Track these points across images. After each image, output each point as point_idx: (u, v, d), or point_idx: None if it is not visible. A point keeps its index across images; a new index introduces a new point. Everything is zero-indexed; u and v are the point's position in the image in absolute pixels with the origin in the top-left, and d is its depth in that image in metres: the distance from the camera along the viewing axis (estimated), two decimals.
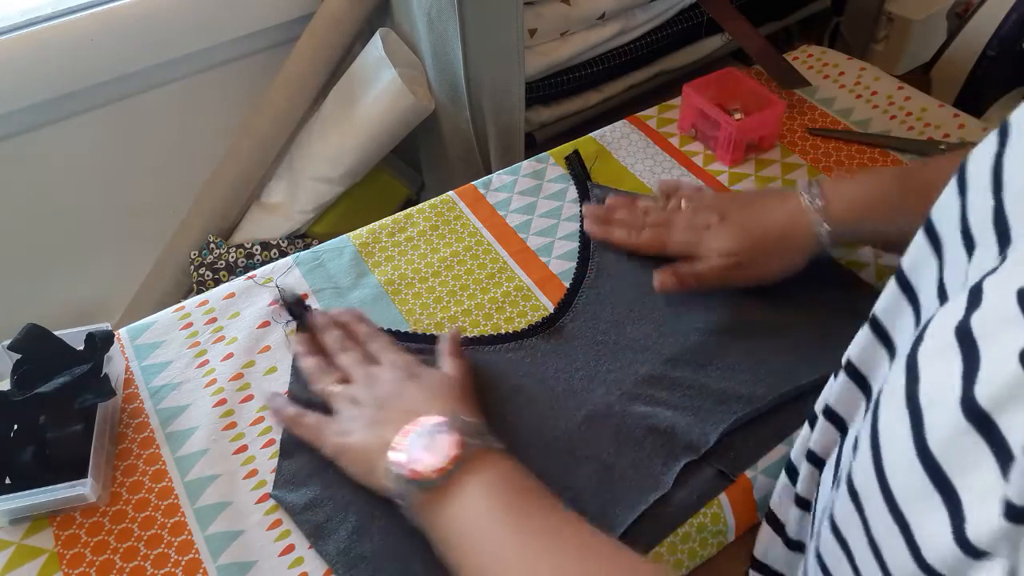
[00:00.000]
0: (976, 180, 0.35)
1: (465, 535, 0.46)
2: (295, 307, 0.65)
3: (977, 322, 0.28)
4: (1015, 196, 0.32)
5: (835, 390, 0.43)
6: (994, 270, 0.30)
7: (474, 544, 0.46)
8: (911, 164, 0.64)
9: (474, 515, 0.46)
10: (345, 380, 0.58)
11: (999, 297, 0.28)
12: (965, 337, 0.28)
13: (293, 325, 0.65)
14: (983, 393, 0.26)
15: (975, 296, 0.29)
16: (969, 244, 0.34)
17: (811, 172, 0.79)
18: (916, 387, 0.30)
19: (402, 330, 0.64)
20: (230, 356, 0.63)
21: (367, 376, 0.57)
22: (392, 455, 0.49)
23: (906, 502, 0.30)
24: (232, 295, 0.68)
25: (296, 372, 0.61)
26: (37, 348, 0.57)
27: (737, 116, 0.81)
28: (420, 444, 0.48)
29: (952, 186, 0.36)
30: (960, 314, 0.29)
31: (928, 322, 0.31)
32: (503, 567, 0.44)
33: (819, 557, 0.41)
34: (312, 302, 0.67)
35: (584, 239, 0.71)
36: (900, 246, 0.65)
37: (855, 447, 0.36)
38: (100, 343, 0.59)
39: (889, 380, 0.32)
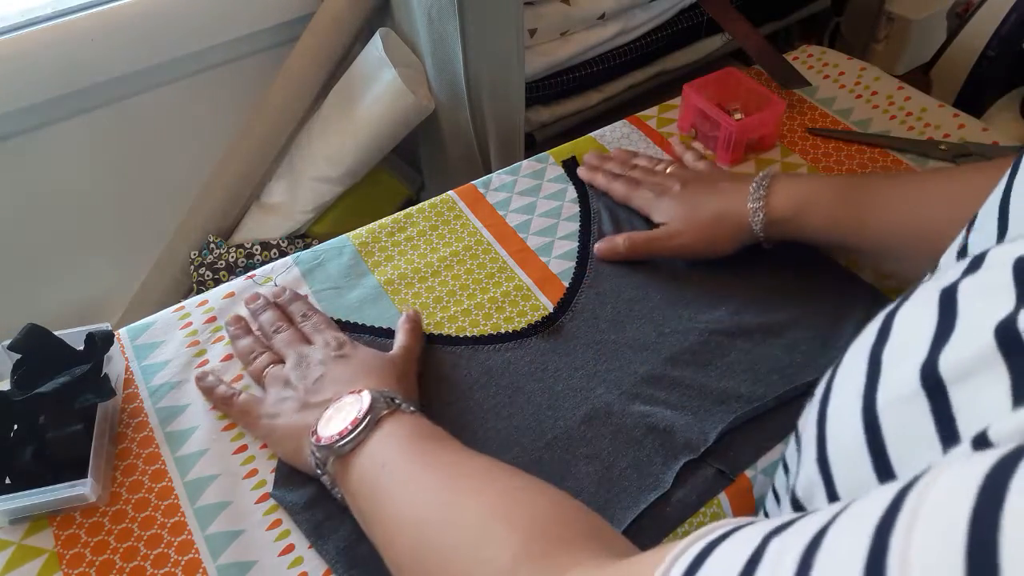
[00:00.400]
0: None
1: (366, 481, 0.47)
2: None
3: (965, 286, 0.26)
4: None
5: None
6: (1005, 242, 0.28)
7: (374, 488, 0.46)
8: (868, 176, 0.66)
9: (375, 463, 0.47)
10: (278, 360, 0.59)
11: (997, 263, 0.26)
12: (948, 300, 0.26)
13: None
14: (947, 360, 0.24)
15: (975, 263, 0.27)
16: (1003, 226, 0.32)
17: (811, 172, 0.79)
18: (883, 344, 0.28)
19: None
20: (230, 356, 0.63)
21: (298, 357, 0.57)
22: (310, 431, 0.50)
23: (836, 456, 0.29)
24: (232, 295, 0.68)
25: None
26: (37, 348, 0.57)
27: (737, 116, 0.81)
28: (330, 416, 0.50)
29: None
30: (954, 279, 0.27)
31: (917, 284, 0.30)
32: (406, 504, 0.44)
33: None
34: (311, 302, 0.67)
35: (584, 239, 0.71)
36: (843, 252, 0.65)
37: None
38: (100, 343, 0.59)
39: (862, 335, 0.31)
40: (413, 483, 0.45)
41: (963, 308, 0.25)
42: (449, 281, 0.69)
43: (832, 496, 0.28)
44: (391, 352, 0.58)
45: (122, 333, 0.65)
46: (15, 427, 0.56)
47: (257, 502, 0.55)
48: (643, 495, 0.53)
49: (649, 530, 0.52)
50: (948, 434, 0.23)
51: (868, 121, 0.85)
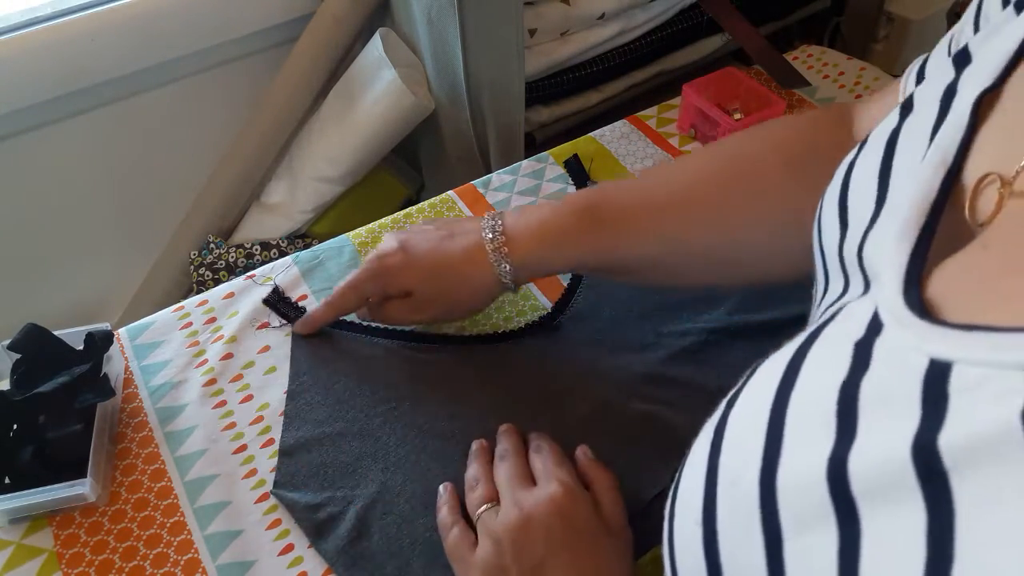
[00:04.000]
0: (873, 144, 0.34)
1: None
2: (282, 307, 0.65)
3: (865, 389, 0.25)
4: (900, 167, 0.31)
5: None
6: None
7: None
8: (604, 187, 0.58)
9: None
10: (495, 496, 0.50)
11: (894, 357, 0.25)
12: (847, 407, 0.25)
13: (289, 327, 0.65)
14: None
15: (863, 353, 0.26)
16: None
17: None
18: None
19: (401, 329, 0.64)
20: (229, 356, 0.63)
21: (517, 512, 0.47)
22: None
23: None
24: (231, 295, 0.68)
25: (297, 372, 0.61)
26: (37, 348, 0.58)
27: (737, 116, 0.81)
28: None
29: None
30: (845, 372, 0.26)
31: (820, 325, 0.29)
32: None
33: None
34: (311, 302, 0.67)
35: None
36: (622, 276, 0.58)
37: None
38: (100, 343, 0.59)
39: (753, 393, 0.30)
40: None
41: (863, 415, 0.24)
42: None
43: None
44: (621, 530, 0.49)
45: (122, 333, 0.65)
46: (15, 427, 0.56)
47: (257, 502, 0.55)
48: (641, 494, 0.53)
49: (648, 529, 0.52)
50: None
51: None
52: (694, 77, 0.83)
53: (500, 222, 0.56)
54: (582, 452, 0.54)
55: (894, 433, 0.22)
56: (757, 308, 0.65)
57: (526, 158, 0.82)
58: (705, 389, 0.59)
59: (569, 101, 1.06)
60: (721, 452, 0.28)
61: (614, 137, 0.84)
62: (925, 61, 0.43)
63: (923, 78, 0.41)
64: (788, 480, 0.24)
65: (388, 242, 0.60)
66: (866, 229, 0.31)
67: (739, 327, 0.63)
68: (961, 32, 0.38)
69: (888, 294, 0.26)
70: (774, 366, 0.29)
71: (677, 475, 0.31)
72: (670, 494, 0.31)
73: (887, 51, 1.24)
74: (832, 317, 0.29)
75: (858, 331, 0.26)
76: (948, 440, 0.20)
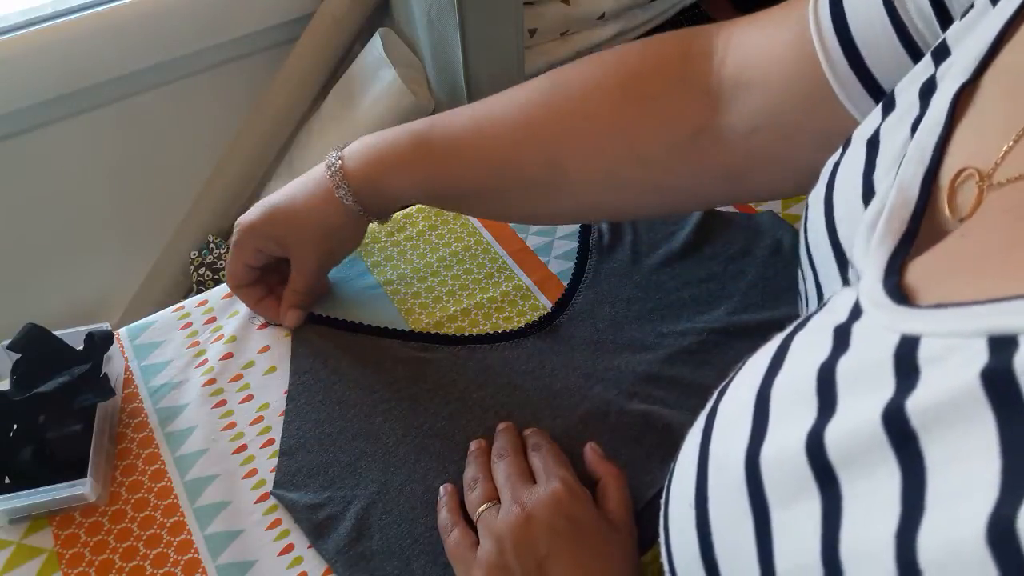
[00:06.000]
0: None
1: None
2: None
3: (842, 368, 0.26)
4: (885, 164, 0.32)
5: None
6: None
7: None
8: (440, 115, 0.57)
9: None
10: (494, 495, 0.50)
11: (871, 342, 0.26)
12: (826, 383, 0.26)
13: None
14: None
15: (843, 337, 0.27)
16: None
17: None
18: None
19: (402, 329, 0.65)
20: (229, 356, 0.63)
21: (516, 508, 0.47)
22: None
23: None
24: (231, 295, 0.68)
25: (297, 372, 0.61)
26: (37, 348, 0.58)
27: None
28: None
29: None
30: (826, 353, 0.27)
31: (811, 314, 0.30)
32: None
33: None
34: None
35: (583, 239, 0.71)
36: (455, 204, 0.59)
37: None
38: (99, 343, 0.59)
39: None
40: None
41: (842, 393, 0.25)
42: (449, 281, 0.69)
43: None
44: (625, 526, 0.48)
45: (122, 333, 0.65)
46: (15, 427, 0.56)
47: (257, 502, 0.55)
48: (641, 493, 0.53)
49: (647, 528, 0.52)
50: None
51: None
52: None
53: (340, 151, 0.56)
54: (591, 448, 0.54)
55: (868, 404, 0.23)
56: (757, 308, 0.65)
57: None
58: (705, 389, 0.59)
59: None
60: (712, 439, 0.29)
61: None
62: None
63: (842, 8, 0.39)
64: (770, 456, 0.25)
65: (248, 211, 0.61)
66: (852, 228, 0.32)
67: (739, 327, 0.63)
68: None
69: (868, 283, 0.27)
70: (762, 356, 0.30)
71: (672, 464, 0.32)
72: (666, 482, 0.32)
73: None
74: (819, 308, 0.30)
75: (840, 318, 0.27)
76: (915, 404, 0.22)
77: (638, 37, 1.05)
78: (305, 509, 0.53)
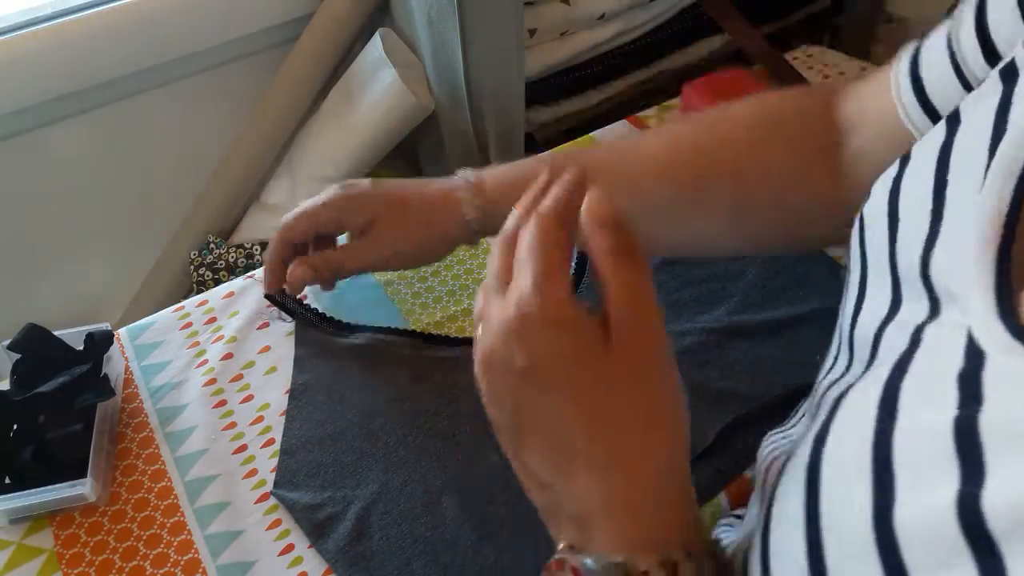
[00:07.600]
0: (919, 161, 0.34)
1: None
2: (284, 301, 0.65)
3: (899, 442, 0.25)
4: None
5: None
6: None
7: None
8: (581, 150, 0.59)
9: None
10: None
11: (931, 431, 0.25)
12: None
13: (291, 326, 0.65)
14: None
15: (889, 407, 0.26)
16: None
17: None
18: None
19: (403, 328, 0.64)
20: (230, 356, 0.63)
21: (503, 339, 0.34)
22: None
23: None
24: (231, 295, 0.68)
25: (298, 372, 0.61)
26: (37, 348, 0.58)
27: None
28: None
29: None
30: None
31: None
32: None
33: None
34: (310, 301, 0.67)
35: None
36: None
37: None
38: (100, 343, 0.59)
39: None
40: None
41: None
42: (449, 281, 0.69)
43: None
44: (616, 336, 0.33)
45: (122, 333, 0.65)
46: (15, 427, 0.56)
47: (257, 502, 0.55)
48: None
49: None
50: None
51: None
52: (694, 77, 0.83)
53: (472, 172, 0.57)
54: (588, 211, 0.35)
55: None
56: (757, 308, 0.64)
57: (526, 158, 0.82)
58: (705, 389, 0.59)
59: (569, 101, 1.06)
60: (820, 497, 0.27)
61: (614, 137, 0.83)
62: (917, 51, 0.45)
63: (917, 65, 0.44)
64: (907, 520, 0.23)
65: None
66: (926, 246, 0.31)
67: (739, 327, 0.63)
68: (960, 25, 0.40)
69: (981, 320, 0.26)
70: (862, 401, 0.28)
71: (761, 524, 0.29)
72: (757, 545, 0.29)
73: (887, 51, 1.24)
74: (913, 345, 0.28)
75: (956, 362, 0.25)
76: None
77: (638, 37, 1.05)
78: (305, 509, 0.53)
